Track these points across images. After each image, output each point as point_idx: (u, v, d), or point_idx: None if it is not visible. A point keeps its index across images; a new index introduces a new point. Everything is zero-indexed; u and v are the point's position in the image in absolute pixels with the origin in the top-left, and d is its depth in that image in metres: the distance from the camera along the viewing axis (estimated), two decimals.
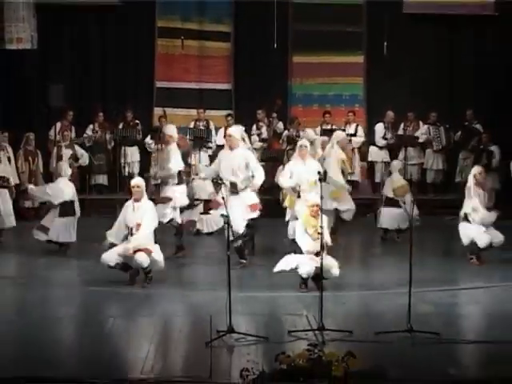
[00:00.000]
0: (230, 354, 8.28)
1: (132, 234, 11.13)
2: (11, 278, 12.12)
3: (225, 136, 17.62)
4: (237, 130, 12.79)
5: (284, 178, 13.00)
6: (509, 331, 9.13)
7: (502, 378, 7.51)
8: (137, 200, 11.27)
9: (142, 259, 10.92)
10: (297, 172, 12.73)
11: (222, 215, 9.73)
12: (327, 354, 7.19)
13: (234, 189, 12.28)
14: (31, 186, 14.09)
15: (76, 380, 7.40)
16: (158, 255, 11.15)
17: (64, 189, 13.41)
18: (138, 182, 11.49)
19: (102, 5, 18.84)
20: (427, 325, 8.93)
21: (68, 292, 11.27)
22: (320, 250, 9.90)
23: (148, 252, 10.98)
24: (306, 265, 10.50)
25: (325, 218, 10.55)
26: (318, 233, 9.98)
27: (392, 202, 14.36)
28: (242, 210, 12.22)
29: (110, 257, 11.05)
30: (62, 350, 8.48)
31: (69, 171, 13.98)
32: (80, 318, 9.94)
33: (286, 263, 10.70)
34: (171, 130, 13.30)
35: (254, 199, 12.46)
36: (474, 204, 12.56)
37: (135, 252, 10.89)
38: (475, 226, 12.53)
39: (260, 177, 12.42)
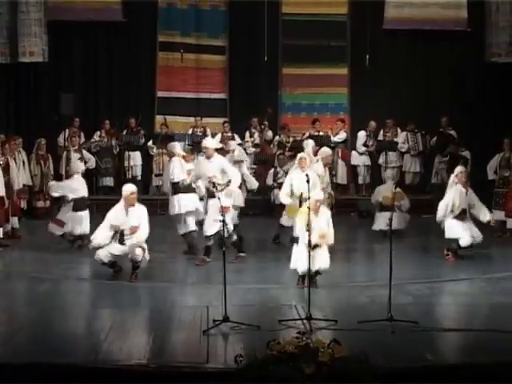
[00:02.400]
0: (226, 341, 8.27)
1: (123, 236, 10.95)
2: (25, 272, 12.10)
3: (221, 141, 17.82)
4: (212, 143, 12.74)
5: (283, 195, 12.82)
6: (480, 320, 9.19)
7: (474, 364, 7.54)
8: (132, 205, 11.10)
9: (139, 253, 10.87)
10: (296, 184, 12.51)
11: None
12: (314, 341, 7.18)
13: (211, 193, 12.03)
14: (52, 183, 14.00)
15: (80, 366, 7.37)
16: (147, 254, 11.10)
17: (80, 185, 13.44)
18: (134, 188, 11.18)
19: (108, 21, 18.85)
20: (406, 314, 8.93)
21: (76, 284, 11.27)
22: (309, 246, 9.76)
23: (143, 249, 10.95)
24: (303, 263, 10.38)
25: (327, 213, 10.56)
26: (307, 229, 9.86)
27: (386, 207, 14.20)
28: (216, 212, 12.09)
29: (104, 254, 10.93)
30: (67, 339, 8.42)
31: (82, 166, 14.17)
32: (85, 309, 9.92)
33: (302, 263, 10.26)
34: (175, 146, 13.28)
35: (227, 202, 12.04)
36: (451, 200, 12.50)
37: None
38: (461, 224, 12.47)
39: (235, 181, 12.21)
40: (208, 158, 12.32)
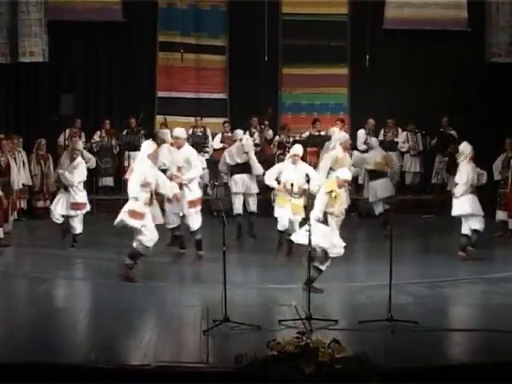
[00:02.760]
0: (226, 341, 8.27)
1: (153, 196, 10.95)
2: (25, 272, 12.09)
3: (222, 141, 17.87)
4: (183, 132, 12.53)
5: (269, 176, 12.77)
6: (480, 320, 9.26)
7: (474, 364, 7.57)
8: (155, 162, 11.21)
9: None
10: (285, 172, 12.45)
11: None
12: (314, 341, 7.19)
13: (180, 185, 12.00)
14: (66, 174, 13.93)
15: (80, 366, 7.37)
16: None
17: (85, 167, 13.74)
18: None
19: (108, 21, 18.86)
20: (406, 314, 8.93)
21: (76, 284, 11.28)
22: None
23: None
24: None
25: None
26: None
27: (378, 174, 14.13)
28: (186, 206, 12.05)
29: (152, 241, 10.88)
30: (67, 339, 8.41)
31: (82, 145, 14.63)
32: (85, 309, 9.92)
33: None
34: (167, 133, 13.33)
35: (195, 195, 12.13)
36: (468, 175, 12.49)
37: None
38: (469, 199, 12.43)
39: (193, 172, 12.07)
40: (178, 148, 12.28)
